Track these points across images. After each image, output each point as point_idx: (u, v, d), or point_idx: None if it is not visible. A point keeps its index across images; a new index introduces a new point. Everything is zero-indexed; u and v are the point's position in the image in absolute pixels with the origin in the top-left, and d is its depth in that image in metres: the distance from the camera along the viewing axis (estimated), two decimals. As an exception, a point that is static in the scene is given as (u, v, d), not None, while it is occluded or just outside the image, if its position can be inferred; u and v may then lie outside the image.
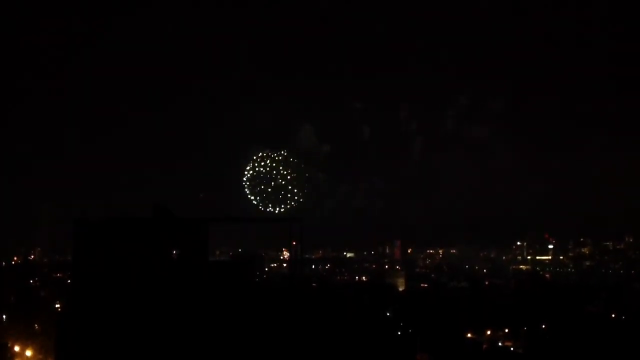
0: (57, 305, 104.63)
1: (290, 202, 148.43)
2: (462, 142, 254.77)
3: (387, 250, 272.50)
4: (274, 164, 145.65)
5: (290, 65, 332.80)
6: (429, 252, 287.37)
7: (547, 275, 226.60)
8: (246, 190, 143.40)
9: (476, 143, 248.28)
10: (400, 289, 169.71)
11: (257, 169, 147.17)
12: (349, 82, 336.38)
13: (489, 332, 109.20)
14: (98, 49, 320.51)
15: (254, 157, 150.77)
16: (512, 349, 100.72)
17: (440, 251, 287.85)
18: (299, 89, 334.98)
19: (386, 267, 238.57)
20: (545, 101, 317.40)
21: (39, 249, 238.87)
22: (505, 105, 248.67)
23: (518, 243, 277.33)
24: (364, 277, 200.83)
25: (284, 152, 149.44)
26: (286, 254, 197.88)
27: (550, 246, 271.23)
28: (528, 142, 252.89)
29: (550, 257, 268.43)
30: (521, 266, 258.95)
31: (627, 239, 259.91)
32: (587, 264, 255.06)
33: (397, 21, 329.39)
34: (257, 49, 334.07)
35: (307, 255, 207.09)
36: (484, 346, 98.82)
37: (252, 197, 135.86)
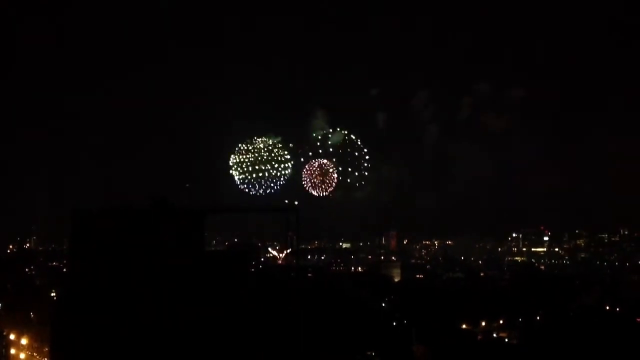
0: (53, 294, 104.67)
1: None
2: (464, 135, 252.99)
3: (383, 241, 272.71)
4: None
5: (304, 51, 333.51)
6: (425, 243, 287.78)
7: (542, 267, 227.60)
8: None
9: (477, 136, 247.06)
10: (396, 280, 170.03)
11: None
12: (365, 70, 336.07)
13: (484, 323, 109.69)
14: (92, 43, 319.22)
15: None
16: (506, 340, 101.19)
17: (436, 242, 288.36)
18: (313, 74, 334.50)
19: (382, 258, 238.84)
20: (547, 95, 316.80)
21: (34, 237, 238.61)
22: (512, 100, 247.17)
23: (514, 235, 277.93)
24: (359, 268, 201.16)
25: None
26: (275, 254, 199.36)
27: (546, 238, 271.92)
28: (527, 136, 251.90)
29: (545, 249, 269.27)
30: (516, 258, 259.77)
31: (622, 232, 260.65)
32: (582, 256, 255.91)
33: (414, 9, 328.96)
34: (270, 31, 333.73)
35: (302, 246, 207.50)
36: (479, 337, 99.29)
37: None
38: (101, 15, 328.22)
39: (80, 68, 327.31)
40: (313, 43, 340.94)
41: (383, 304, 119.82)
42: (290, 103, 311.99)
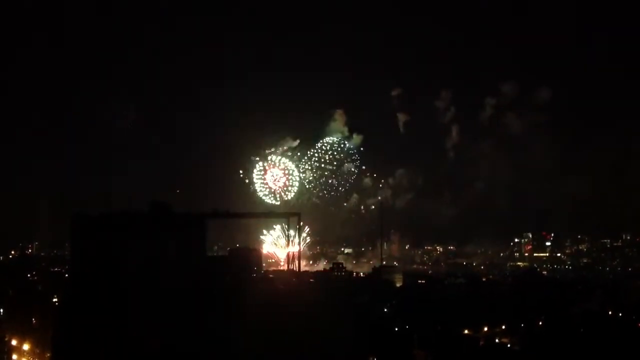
0: (55, 300, 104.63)
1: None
2: (467, 141, 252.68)
3: (385, 246, 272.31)
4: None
5: (320, 52, 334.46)
6: (427, 248, 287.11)
7: (545, 272, 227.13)
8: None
9: (480, 142, 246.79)
10: (398, 285, 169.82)
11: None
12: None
13: (485, 329, 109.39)
14: (92, 43, 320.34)
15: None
16: (509, 345, 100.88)
17: (439, 248, 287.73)
18: (332, 77, 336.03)
19: (384, 262, 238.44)
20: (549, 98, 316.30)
21: (36, 243, 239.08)
22: (514, 104, 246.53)
23: (516, 240, 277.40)
24: (361, 273, 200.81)
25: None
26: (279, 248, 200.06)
27: (548, 243, 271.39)
28: (530, 142, 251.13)
29: (547, 254, 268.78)
30: (519, 263, 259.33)
31: (624, 237, 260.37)
32: (585, 261, 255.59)
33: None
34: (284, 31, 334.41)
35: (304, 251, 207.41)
36: (481, 342, 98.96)
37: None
38: (102, 16, 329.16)
39: (81, 70, 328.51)
40: (326, 43, 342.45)
41: (384, 309, 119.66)
42: (308, 105, 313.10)
